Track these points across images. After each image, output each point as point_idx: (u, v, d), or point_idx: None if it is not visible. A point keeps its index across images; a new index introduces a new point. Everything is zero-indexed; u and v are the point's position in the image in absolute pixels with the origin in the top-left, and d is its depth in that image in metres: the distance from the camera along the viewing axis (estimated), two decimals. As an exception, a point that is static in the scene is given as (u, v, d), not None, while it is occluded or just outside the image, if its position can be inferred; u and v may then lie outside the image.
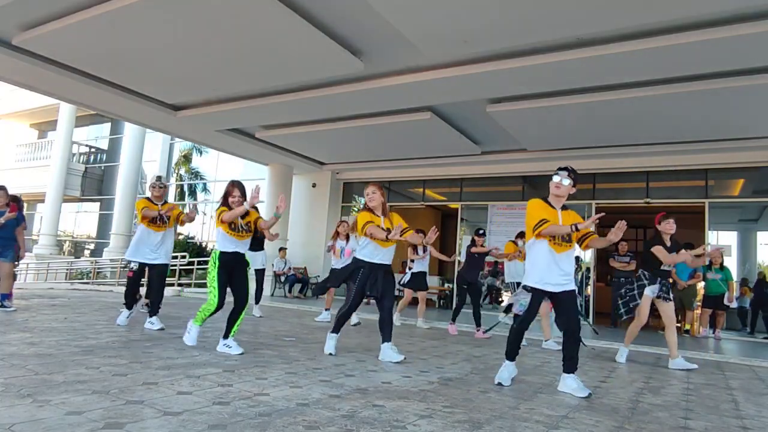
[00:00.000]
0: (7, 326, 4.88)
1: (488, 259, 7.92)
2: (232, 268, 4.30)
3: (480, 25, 5.24)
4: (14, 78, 8.10)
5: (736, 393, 4.14)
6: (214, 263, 4.24)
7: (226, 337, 4.26)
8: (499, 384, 3.67)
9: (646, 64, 5.77)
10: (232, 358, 3.99)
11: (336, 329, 4.53)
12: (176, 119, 9.36)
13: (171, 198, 18.46)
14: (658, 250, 4.90)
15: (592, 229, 3.67)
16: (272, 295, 12.03)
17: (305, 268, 12.92)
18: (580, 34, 5.37)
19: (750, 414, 3.39)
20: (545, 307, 5.86)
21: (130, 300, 5.56)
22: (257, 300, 7.63)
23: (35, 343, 4.04)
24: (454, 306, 7.31)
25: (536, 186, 11.47)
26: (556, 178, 3.62)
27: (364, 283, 4.33)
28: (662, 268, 5.01)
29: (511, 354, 3.75)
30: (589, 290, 10.35)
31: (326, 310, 7.56)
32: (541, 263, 3.58)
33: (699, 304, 8.88)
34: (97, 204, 20.24)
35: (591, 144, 9.16)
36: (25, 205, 7.42)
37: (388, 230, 4.25)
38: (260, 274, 7.65)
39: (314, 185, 13.43)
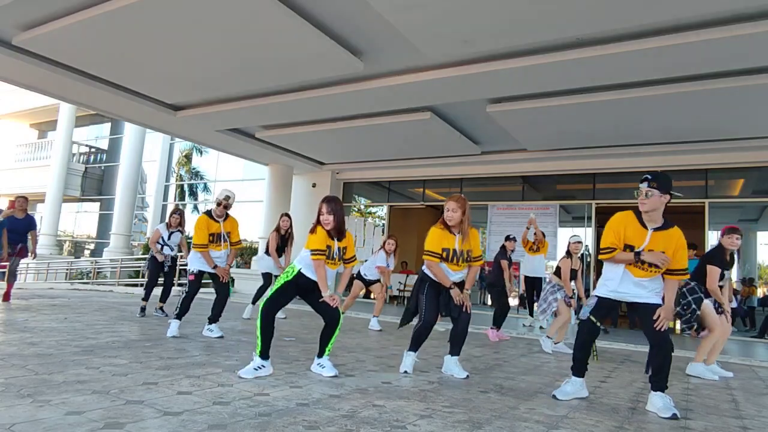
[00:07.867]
0: (7, 326, 4.88)
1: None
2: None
3: (480, 25, 5.24)
4: (14, 78, 8.09)
5: (736, 393, 4.14)
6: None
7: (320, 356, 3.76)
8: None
9: (646, 64, 5.77)
10: (232, 358, 3.99)
11: (413, 347, 3.94)
12: (176, 119, 9.36)
13: (171, 198, 18.48)
14: (711, 272, 4.60)
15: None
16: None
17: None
18: (580, 34, 5.36)
19: (750, 414, 3.39)
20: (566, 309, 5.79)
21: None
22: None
23: (35, 343, 4.04)
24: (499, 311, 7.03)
25: (536, 186, 11.47)
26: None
27: (435, 302, 3.88)
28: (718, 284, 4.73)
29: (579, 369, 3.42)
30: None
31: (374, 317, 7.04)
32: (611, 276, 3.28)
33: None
34: (97, 204, 20.26)
35: (591, 144, 9.16)
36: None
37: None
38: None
39: (314, 185, 13.43)
